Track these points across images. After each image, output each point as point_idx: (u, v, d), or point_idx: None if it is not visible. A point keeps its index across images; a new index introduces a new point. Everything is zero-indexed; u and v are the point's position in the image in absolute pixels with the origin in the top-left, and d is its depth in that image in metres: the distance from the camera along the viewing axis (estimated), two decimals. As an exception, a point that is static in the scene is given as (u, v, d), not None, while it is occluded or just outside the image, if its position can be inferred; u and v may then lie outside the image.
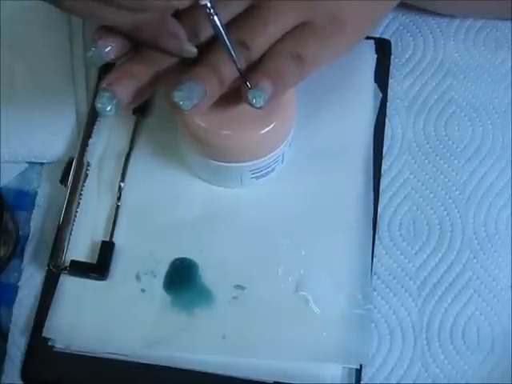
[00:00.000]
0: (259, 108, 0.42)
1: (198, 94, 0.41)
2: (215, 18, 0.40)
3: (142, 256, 0.50)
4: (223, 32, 0.40)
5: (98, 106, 0.41)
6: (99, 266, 0.49)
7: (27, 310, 0.50)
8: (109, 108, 0.41)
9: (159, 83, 0.43)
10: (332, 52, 0.46)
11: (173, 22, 0.41)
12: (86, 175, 0.52)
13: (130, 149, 0.53)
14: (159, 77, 0.43)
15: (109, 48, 0.42)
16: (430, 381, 0.49)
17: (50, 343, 0.48)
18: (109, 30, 0.42)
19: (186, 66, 0.43)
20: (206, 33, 0.43)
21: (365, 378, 0.48)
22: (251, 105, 0.42)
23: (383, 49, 0.56)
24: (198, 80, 0.41)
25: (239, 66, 0.42)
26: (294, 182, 0.52)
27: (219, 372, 0.47)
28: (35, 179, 0.54)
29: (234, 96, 0.43)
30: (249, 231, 0.51)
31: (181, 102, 0.40)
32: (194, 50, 0.42)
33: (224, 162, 0.48)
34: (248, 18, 0.44)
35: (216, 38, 0.42)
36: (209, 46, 0.43)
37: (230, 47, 0.41)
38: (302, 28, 0.44)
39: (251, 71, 0.43)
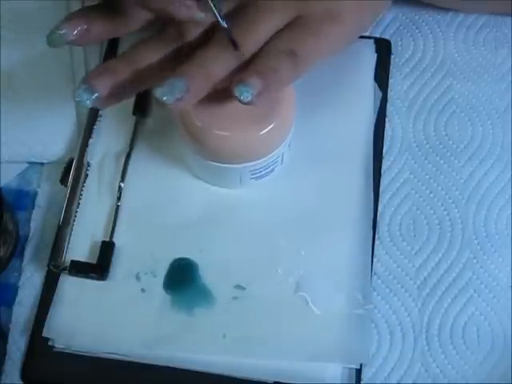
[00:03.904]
0: (247, 103, 0.42)
1: (179, 88, 0.41)
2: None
3: (142, 256, 0.50)
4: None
5: (76, 98, 0.43)
6: (99, 265, 0.49)
7: (27, 310, 0.50)
8: (86, 101, 0.42)
9: (142, 82, 0.44)
10: (328, 48, 0.46)
11: None
12: (86, 175, 0.52)
13: (130, 149, 0.53)
14: (140, 76, 0.43)
15: (69, 32, 0.43)
16: (430, 381, 0.49)
17: (50, 343, 0.48)
18: (78, 16, 0.43)
19: (170, 64, 0.43)
20: (195, 32, 0.43)
21: (365, 378, 0.48)
22: (239, 100, 0.42)
23: (383, 49, 0.56)
24: (181, 76, 0.41)
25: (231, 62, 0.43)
26: (294, 182, 0.52)
27: (219, 372, 0.47)
28: (35, 179, 0.54)
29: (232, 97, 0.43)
30: (249, 231, 0.51)
31: (164, 98, 0.41)
32: (203, 15, 0.42)
33: (223, 163, 0.47)
34: (239, 16, 0.44)
35: (204, 37, 0.42)
36: (197, 46, 0.43)
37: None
38: (297, 24, 0.44)
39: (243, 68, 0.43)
